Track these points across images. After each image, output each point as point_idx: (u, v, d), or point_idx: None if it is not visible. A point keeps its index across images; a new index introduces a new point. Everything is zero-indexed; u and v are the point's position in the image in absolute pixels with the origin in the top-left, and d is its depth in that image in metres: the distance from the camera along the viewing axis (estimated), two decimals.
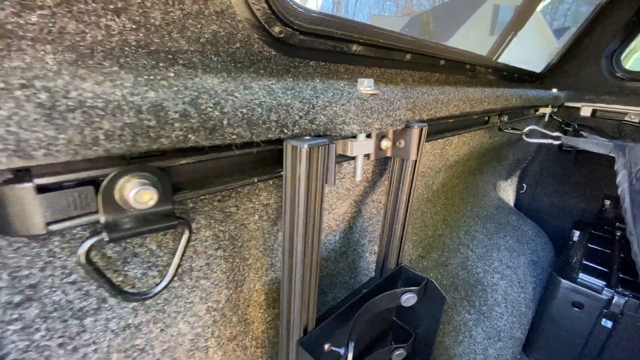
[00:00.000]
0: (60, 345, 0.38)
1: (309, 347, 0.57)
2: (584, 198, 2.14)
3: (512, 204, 2.37)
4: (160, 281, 0.40)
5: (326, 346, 0.63)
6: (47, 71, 0.32)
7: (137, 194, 0.33)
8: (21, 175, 0.29)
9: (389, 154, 0.70)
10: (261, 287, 0.76)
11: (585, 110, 2.05)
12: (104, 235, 0.33)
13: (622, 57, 1.91)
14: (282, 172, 0.52)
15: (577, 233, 1.59)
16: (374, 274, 0.91)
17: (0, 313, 0.32)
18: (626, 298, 1.14)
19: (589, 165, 2.11)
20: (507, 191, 2.32)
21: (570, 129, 1.97)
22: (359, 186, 0.84)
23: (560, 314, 1.27)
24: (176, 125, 0.34)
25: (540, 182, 2.35)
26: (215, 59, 0.54)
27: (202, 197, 0.48)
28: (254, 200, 0.57)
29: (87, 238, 0.33)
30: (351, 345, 0.60)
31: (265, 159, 0.50)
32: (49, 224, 0.31)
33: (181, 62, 0.50)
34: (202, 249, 0.51)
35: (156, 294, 0.40)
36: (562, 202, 2.25)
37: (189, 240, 0.42)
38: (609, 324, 1.18)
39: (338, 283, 1.07)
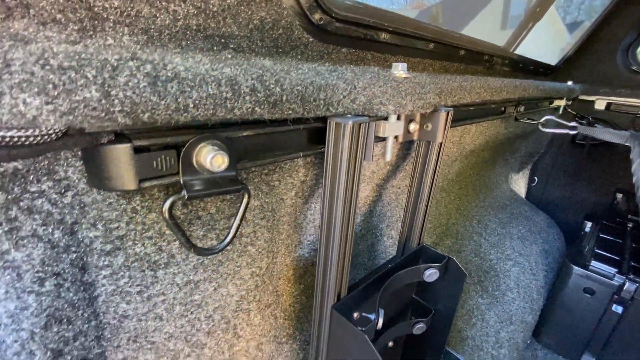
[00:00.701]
0: (139, 292, 0.43)
1: (342, 312, 0.62)
2: (596, 192, 2.15)
3: (523, 196, 2.39)
4: (225, 238, 0.45)
5: (355, 314, 0.68)
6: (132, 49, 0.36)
7: (213, 158, 0.38)
8: (121, 137, 0.34)
9: (415, 137, 0.74)
10: (290, 263, 0.81)
11: (600, 104, 2.05)
12: (184, 193, 0.38)
13: (638, 50, 1.91)
14: (322, 149, 0.56)
15: (589, 224, 1.61)
16: (391, 256, 0.96)
17: (95, 258, 0.38)
18: (637, 284, 1.17)
19: (601, 159, 2.12)
20: (519, 184, 2.34)
21: (585, 122, 1.98)
22: (382, 170, 0.88)
23: (571, 300, 1.30)
24: (247, 98, 0.39)
25: (551, 175, 2.37)
26: (260, 44, 0.58)
27: (254, 169, 0.53)
28: (293, 175, 0.62)
29: (170, 195, 0.38)
30: (381, 312, 0.65)
31: (309, 136, 0.55)
32: (140, 181, 0.36)
33: (231, 46, 0.55)
34: (250, 217, 0.56)
35: (221, 249, 0.45)
36: (574, 195, 2.26)
37: (247, 205, 0.46)
38: (619, 309, 1.22)
39: (357, 264, 1.11)
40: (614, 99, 1.97)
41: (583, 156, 2.17)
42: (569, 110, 2.00)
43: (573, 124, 1.24)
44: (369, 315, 0.65)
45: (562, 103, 1.87)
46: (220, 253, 0.53)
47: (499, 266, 1.39)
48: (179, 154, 0.38)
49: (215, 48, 0.52)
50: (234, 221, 0.45)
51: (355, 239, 1.05)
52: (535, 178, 2.41)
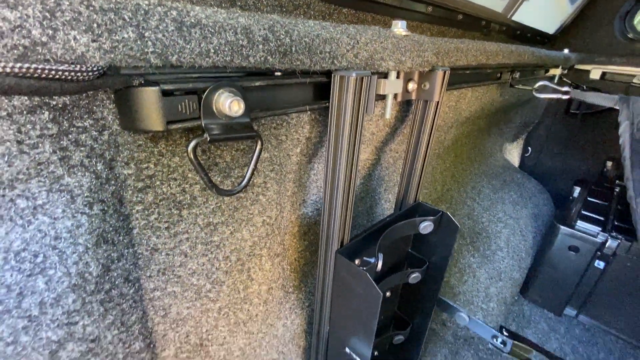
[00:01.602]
0: (166, 228, 0.48)
1: (345, 255, 0.68)
2: (587, 161, 2.22)
3: (516, 166, 2.45)
4: (241, 182, 0.50)
5: (357, 260, 0.74)
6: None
7: (231, 103, 0.42)
8: (150, 80, 0.38)
9: (413, 97, 0.78)
10: (295, 220, 0.86)
11: (595, 73, 2.07)
12: (206, 136, 0.42)
13: (636, 21, 1.91)
14: (327, 104, 0.60)
15: (577, 189, 1.68)
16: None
17: (129, 194, 0.42)
18: (619, 241, 1.25)
19: (593, 129, 2.17)
20: (513, 154, 2.40)
21: (579, 91, 2.01)
22: (381, 131, 0.92)
23: (557, 257, 1.39)
24: (260, 47, 0.42)
25: (545, 145, 2.42)
26: (265, 2, 0.61)
27: (264, 122, 0.57)
28: (299, 131, 0.66)
29: (194, 138, 0.42)
30: (380, 256, 0.71)
31: (315, 90, 0.58)
32: (168, 123, 0.40)
33: (239, 3, 0.57)
34: (261, 168, 0.60)
35: (239, 191, 0.49)
36: (566, 165, 2.32)
37: (260, 152, 0.51)
38: (601, 265, 1.31)
39: (357, 225, 1.18)
40: (608, 68, 1.99)
41: (576, 126, 2.22)
42: (565, 79, 2.02)
43: (566, 89, 1.28)
44: (369, 259, 0.71)
45: (557, 72, 1.89)
46: (236, 200, 0.58)
47: (490, 228, 1.46)
48: (200, 99, 0.42)
49: (223, 5, 0.55)
50: (248, 168, 0.50)
51: (355, 201, 1.11)
52: (529, 148, 2.47)
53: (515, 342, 0.85)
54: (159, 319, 0.54)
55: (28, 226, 0.31)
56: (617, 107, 1.15)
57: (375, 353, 1.14)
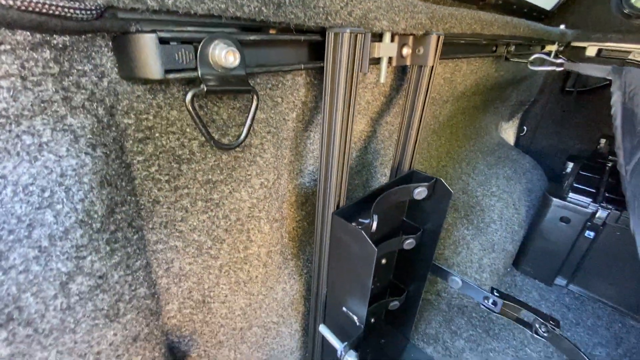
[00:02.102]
0: (167, 181, 0.50)
1: (341, 216, 0.71)
2: (582, 139, 2.24)
3: (512, 145, 2.47)
4: (239, 136, 0.51)
5: (353, 223, 0.76)
6: None
7: (227, 53, 0.43)
8: (147, 29, 0.39)
9: (408, 62, 0.78)
10: (293, 189, 0.88)
11: (591, 50, 2.07)
12: (203, 87, 0.43)
13: None
14: (321, 64, 0.61)
15: (570, 165, 1.71)
16: None
17: (130, 143, 0.44)
18: (609, 211, 1.28)
19: (588, 106, 2.18)
20: (508, 132, 2.41)
21: (573, 63, 2.01)
22: (377, 101, 0.93)
23: (548, 229, 1.43)
24: None
25: (540, 124, 2.44)
26: None
27: (259, 82, 0.58)
28: (294, 94, 0.67)
29: (191, 89, 0.43)
30: (375, 217, 0.74)
31: (309, 49, 0.59)
32: (166, 71, 0.41)
33: None
34: (258, 129, 0.62)
35: (236, 146, 0.51)
36: (561, 143, 2.34)
37: (256, 108, 0.52)
38: (591, 234, 1.34)
39: (353, 198, 1.20)
40: (605, 45, 1.99)
41: (572, 104, 2.23)
42: (560, 56, 2.02)
43: (560, 60, 1.28)
44: (364, 221, 0.74)
45: (553, 48, 1.89)
46: (233, 159, 0.59)
47: (484, 202, 1.49)
48: (196, 50, 0.43)
49: None
50: (245, 124, 0.51)
51: (351, 174, 1.12)
52: (525, 127, 2.48)
53: (505, 302, 0.88)
54: (162, 272, 0.56)
55: (34, 162, 0.32)
56: (609, 78, 1.16)
57: (372, 320, 1.18)
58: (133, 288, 0.44)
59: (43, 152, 0.33)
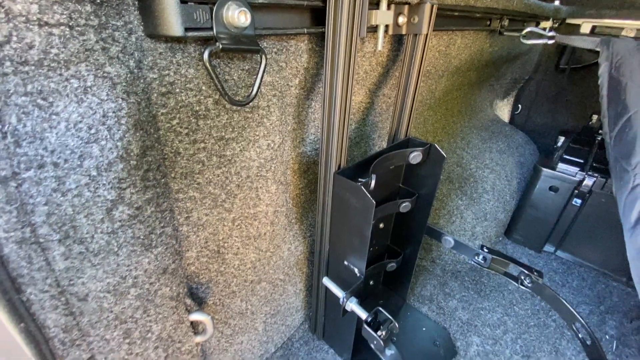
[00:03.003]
0: (186, 134, 0.55)
1: (342, 175, 0.77)
2: (575, 117, 2.29)
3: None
4: (250, 94, 0.56)
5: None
6: None
7: (239, 12, 0.48)
8: None
9: (404, 31, 0.83)
10: (296, 157, 0.94)
11: (585, 27, 2.10)
12: (218, 44, 0.49)
13: None
14: (322, 30, 0.66)
15: (562, 139, 1.76)
16: None
17: (155, 96, 0.49)
18: (595, 178, 1.35)
19: (582, 84, 2.23)
20: (503, 111, 2.46)
21: (564, 35, 2.05)
22: (374, 71, 0.98)
23: (538, 198, 1.50)
24: None
25: (535, 102, 2.48)
26: None
27: (266, 46, 0.63)
28: (298, 60, 0.72)
29: (207, 46, 0.49)
30: (373, 176, 0.80)
31: (311, 15, 0.64)
32: (185, 30, 0.46)
33: None
34: (265, 92, 0.67)
35: (247, 102, 0.56)
36: (554, 121, 2.40)
37: (265, 68, 0.57)
38: (578, 202, 1.42)
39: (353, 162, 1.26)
40: (598, 21, 2.02)
41: (565, 82, 2.27)
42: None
43: (552, 33, 1.32)
44: (364, 180, 0.80)
45: (547, 24, 1.92)
46: (243, 119, 0.65)
47: (477, 174, 1.56)
48: (211, 10, 0.48)
49: None
50: (255, 83, 0.57)
51: (351, 145, 1.18)
52: (519, 105, 2.53)
53: (494, 257, 0.96)
54: (183, 220, 0.62)
55: (81, 103, 0.38)
56: (598, 49, 1.20)
57: (371, 282, 1.26)
58: (162, 225, 0.51)
59: (88, 95, 0.38)
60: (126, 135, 0.41)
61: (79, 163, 0.38)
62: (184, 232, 0.63)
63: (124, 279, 0.46)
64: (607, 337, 1.20)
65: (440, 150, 0.93)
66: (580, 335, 0.83)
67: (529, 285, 0.92)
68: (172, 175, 0.56)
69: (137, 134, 0.43)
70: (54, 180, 0.36)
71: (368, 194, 0.71)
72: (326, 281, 0.89)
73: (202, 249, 0.69)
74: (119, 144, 0.41)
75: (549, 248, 1.59)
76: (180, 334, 0.61)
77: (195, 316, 0.64)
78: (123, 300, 0.47)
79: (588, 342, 0.81)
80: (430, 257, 1.53)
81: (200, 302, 0.75)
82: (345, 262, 0.88)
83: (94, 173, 0.39)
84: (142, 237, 0.46)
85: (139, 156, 0.44)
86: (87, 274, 0.42)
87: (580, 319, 0.83)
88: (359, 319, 0.82)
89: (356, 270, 0.86)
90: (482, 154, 1.64)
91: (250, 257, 0.83)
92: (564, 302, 0.86)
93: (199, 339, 0.68)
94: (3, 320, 0.38)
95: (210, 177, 0.63)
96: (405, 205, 1.01)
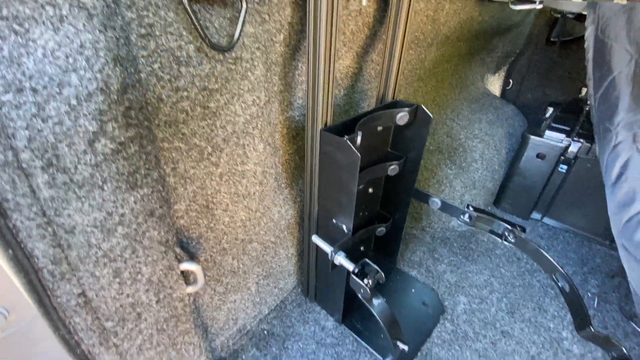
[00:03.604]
0: (168, 80, 0.55)
1: (329, 131, 0.78)
2: (566, 91, 2.30)
3: None
4: (232, 39, 0.56)
5: None
6: None
7: None
8: None
9: None
10: (284, 121, 0.94)
11: None
12: None
13: None
14: None
15: (550, 109, 1.78)
16: None
17: (134, 37, 0.49)
18: (580, 144, 1.38)
19: (572, 57, 2.23)
20: (494, 86, 2.46)
21: (559, 15, 2.04)
22: (361, 33, 0.98)
23: (526, 166, 1.53)
24: None
25: (526, 77, 2.49)
26: None
27: None
28: (281, 13, 0.71)
29: None
30: (359, 133, 0.81)
31: None
32: None
33: None
34: (247, 43, 0.67)
35: (229, 49, 0.56)
36: (545, 96, 2.41)
37: (245, 13, 0.57)
38: (564, 168, 1.44)
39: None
40: None
41: (556, 55, 2.27)
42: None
43: None
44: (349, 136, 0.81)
45: None
46: (227, 70, 0.65)
47: (467, 144, 1.57)
48: None
49: None
50: (237, 29, 0.57)
51: (339, 113, 1.18)
52: (510, 81, 2.53)
53: (479, 215, 0.98)
54: (170, 171, 0.63)
55: (57, 31, 0.38)
56: (584, 12, 1.21)
57: (362, 248, 1.29)
58: (147, 167, 0.52)
59: (64, 24, 0.38)
60: (105, 68, 0.42)
61: (57, 91, 0.38)
62: (171, 183, 0.64)
63: (110, 215, 0.47)
64: (589, 294, 1.25)
65: (427, 111, 0.94)
66: (559, 284, 0.87)
67: (513, 240, 0.95)
68: (156, 122, 0.57)
69: (117, 69, 0.44)
70: (33, 106, 0.37)
71: (353, 147, 0.72)
72: (315, 238, 0.91)
73: (190, 203, 0.70)
74: (98, 75, 0.41)
75: (536, 215, 1.63)
76: (171, 281, 0.62)
77: (186, 265, 0.66)
78: (111, 238, 0.49)
79: (567, 289, 0.85)
80: (420, 225, 1.56)
81: (191, 257, 0.77)
82: (334, 221, 0.90)
83: (73, 102, 0.39)
84: (126, 174, 0.47)
85: (119, 92, 0.44)
86: (72, 205, 0.43)
87: (560, 269, 0.86)
88: (348, 281, 0.85)
89: (344, 227, 0.88)
90: (472, 124, 1.66)
91: (240, 216, 0.84)
92: (545, 254, 0.89)
93: (190, 289, 0.70)
94: None
95: (195, 129, 0.64)
96: (393, 168, 1.02)
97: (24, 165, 0.38)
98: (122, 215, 0.49)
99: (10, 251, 0.40)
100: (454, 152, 1.56)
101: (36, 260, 0.42)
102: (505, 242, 0.97)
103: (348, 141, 0.73)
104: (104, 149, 0.43)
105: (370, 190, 1.14)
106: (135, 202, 0.50)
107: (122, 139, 0.45)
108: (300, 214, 1.10)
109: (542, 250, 0.90)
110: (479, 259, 1.39)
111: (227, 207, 0.79)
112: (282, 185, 1.01)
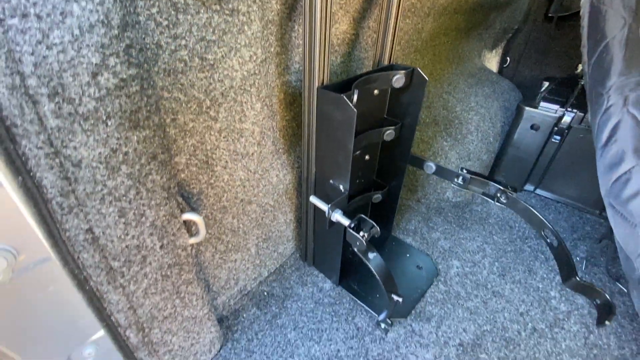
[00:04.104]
0: (167, 26, 0.56)
1: (326, 89, 0.79)
2: (563, 68, 2.31)
3: None
4: None
5: None
6: None
7: None
8: None
9: None
10: (281, 86, 0.95)
11: None
12: None
13: None
14: None
15: (546, 84, 1.79)
16: None
17: None
18: (574, 114, 1.40)
19: (569, 33, 2.22)
20: (492, 63, 2.46)
21: None
22: None
23: (520, 138, 1.55)
24: None
25: (524, 55, 2.48)
26: None
27: None
28: None
29: None
30: (356, 91, 0.82)
31: None
32: None
33: None
34: None
35: None
36: (542, 74, 2.41)
37: None
38: (557, 139, 1.47)
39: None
40: None
41: (552, 30, 2.27)
42: None
43: None
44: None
45: None
46: (223, 22, 0.65)
47: (462, 116, 1.59)
48: None
49: None
50: None
51: (337, 80, 1.18)
52: (508, 58, 2.53)
53: (472, 177, 1.01)
54: (170, 122, 0.64)
55: None
56: None
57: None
58: (148, 109, 0.53)
59: None
60: (105, 1, 0.43)
61: (61, 19, 0.39)
62: (171, 135, 0.66)
63: (115, 152, 0.49)
64: (578, 259, 1.29)
65: (423, 73, 0.95)
66: (548, 240, 0.90)
67: (504, 201, 0.98)
68: (156, 69, 0.58)
69: (117, 5, 0.44)
70: (38, 32, 0.38)
71: (350, 104, 0.74)
72: (313, 199, 0.93)
73: (190, 157, 0.72)
74: (98, 8, 0.42)
75: (529, 187, 1.66)
76: (174, 228, 0.65)
77: (188, 216, 0.68)
78: (115, 176, 0.51)
79: (555, 244, 0.88)
80: (415, 197, 1.59)
81: (193, 211, 0.79)
82: (331, 181, 0.92)
83: (76, 32, 0.40)
84: (129, 112, 0.49)
85: (120, 28, 0.45)
86: (78, 138, 0.44)
87: (549, 225, 0.89)
88: (345, 245, 0.87)
89: (341, 187, 0.90)
90: (468, 97, 1.67)
91: (239, 175, 0.86)
92: (535, 211, 0.92)
93: (192, 240, 0.72)
94: (2, 172, 0.41)
95: (194, 80, 0.65)
96: (389, 133, 1.04)
97: (31, 92, 0.39)
98: (126, 154, 0.51)
99: (20, 178, 0.41)
100: (450, 124, 1.57)
101: (45, 190, 0.44)
102: (498, 204, 1.00)
103: (344, 97, 0.75)
104: (107, 83, 0.45)
105: (367, 157, 1.16)
106: (138, 142, 0.52)
107: (124, 75, 0.47)
108: (298, 180, 1.12)
109: (532, 209, 0.93)
110: (472, 227, 1.42)
111: (227, 165, 0.81)
112: (280, 150, 1.03)
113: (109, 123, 0.47)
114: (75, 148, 0.45)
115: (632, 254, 0.87)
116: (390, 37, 0.97)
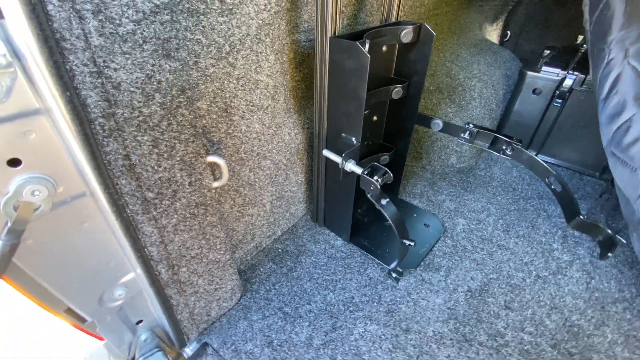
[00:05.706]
0: None
1: (338, 37, 0.81)
2: (563, 41, 2.32)
3: None
4: None
5: None
6: None
7: None
8: None
9: None
10: (291, 44, 0.96)
11: None
12: None
13: None
14: None
15: (547, 51, 1.81)
16: None
17: None
18: (575, 76, 1.42)
19: (570, 7, 2.23)
20: (492, 36, 2.47)
21: None
22: None
23: (522, 102, 1.58)
24: None
25: (524, 29, 2.49)
26: None
27: None
28: None
29: None
30: (367, 40, 0.85)
31: None
32: None
33: None
34: None
35: None
36: (542, 47, 2.43)
37: None
38: (559, 102, 1.50)
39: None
40: None
41: (552, 3, 2.27)
42: None
43: None
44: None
45: None
46: None
47: (466, 83, 1.61)
48: None
49: None
50: None
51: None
52: (508, 32, 2.54)
53: (479, 130, 1.04)
54: (192, 64, 0.67)
55: None
56: None
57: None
58: (177, 41, 0.55)
59: None
60: None
61: None
62: (194, 77, 0.68)
63: (150, 79, 0.52)
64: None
65: (430, 28, 0.97)
66: (552, 187, 0.94)
67: (510, 153, 1.01)
68: (180, 8, 0.60)
69: None
70: None
71: (363, 49, 0.76)
72: (326, 152, 0.96)
73: (211, 104, 0.75)
74: None
75: (531, 152, 1.70)
76: (201, 167, 0.68)
77: (212, 158, 0.71)
78: (150, 104, 0.53)
79: (559, 190, 0.92)
80: (420, 164, 1.62)
81: None
82: (343, 135, 0.95)
83: None
84: (162, 39, 0.51)
85: None
86: (118, 59, 0.47)
87: (552, 172, 0.93)
88: (356, 203, 0.89)
89: (353, 139, 0.93)
90: (470, 65, 1.69)
91: (255, 127, 0.89)
92: (539, 160, 0.96)
93: (216, 183, 0.75)
94: (51, 87, 0.43)
95: (214, 24, 0.67)
96: (397, 91, 1.06)
97: (78, 7, 0.41)
98: (159, 82, 0.53)
99: (68, 93, 0.44)
100: (454, 91, 1.60)
101: (89, 110, 0.47)
102: (503, 156, 1.04)
103: (357, 43, 0.77)
104: (143, 6, 0.47)
105: (375, 117, 1.19)
106: (169, 73, 0.54)
107: (157, 2, 0.49)
108: (309, 142, 1.15)
109: (537, 157, 0.96)
110: (477, 190, 1.46)
111: (244, 115, 0.84)
112: (291, 109, 1.06)
113: (145, 47, 0.49)
114: (115, 70, 0.47)
115: (632, 196, 0.91)
116: (396, 2, 0.99)
